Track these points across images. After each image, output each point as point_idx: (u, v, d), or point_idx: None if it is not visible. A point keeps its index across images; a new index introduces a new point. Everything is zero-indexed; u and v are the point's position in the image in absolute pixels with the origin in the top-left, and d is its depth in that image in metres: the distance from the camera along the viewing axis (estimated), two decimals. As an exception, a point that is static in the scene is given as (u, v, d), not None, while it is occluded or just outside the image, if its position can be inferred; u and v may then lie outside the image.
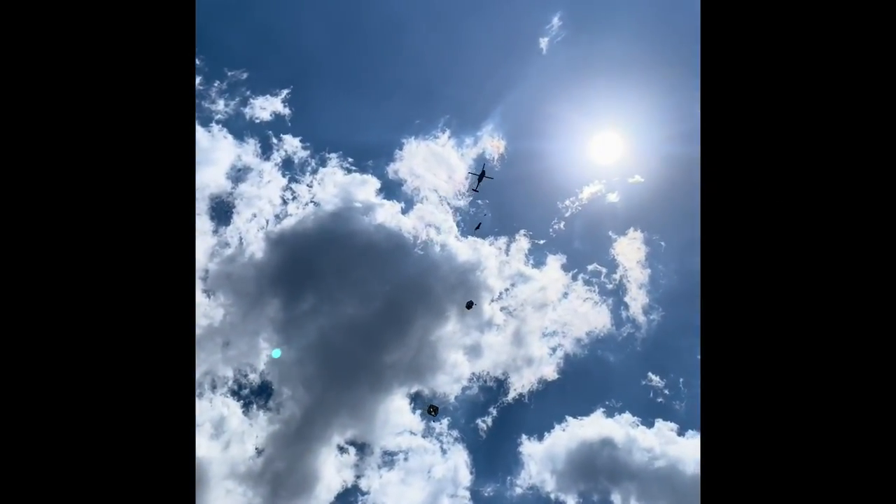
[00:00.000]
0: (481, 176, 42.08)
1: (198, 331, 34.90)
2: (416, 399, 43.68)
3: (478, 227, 45.76)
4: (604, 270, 48.48)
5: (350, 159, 52.05)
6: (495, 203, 51.11)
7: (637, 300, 45.95)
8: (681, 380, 44.97)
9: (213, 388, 35.50)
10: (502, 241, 49.62)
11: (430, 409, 37.65)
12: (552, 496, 41.82)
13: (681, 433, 43.27)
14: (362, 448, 41.02)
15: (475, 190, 43.81)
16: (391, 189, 51.22)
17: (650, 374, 45.04)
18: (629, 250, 49.85)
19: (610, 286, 46.54)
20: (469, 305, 39.19)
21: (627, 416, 44.08)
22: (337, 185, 49.80)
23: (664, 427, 44.13)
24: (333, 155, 52.38)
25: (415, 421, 43.89)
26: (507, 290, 47.67)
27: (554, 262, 49.33)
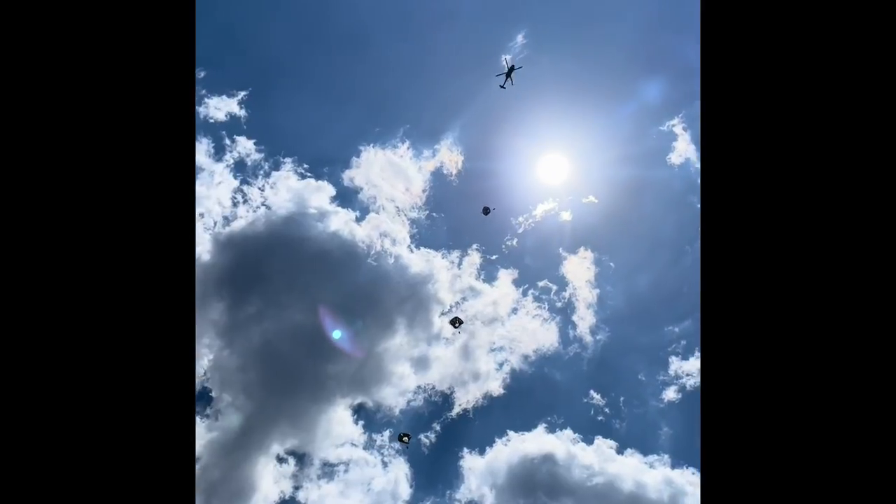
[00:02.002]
0: (510, 70, 40.73)
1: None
2: (359, 410, 43.31)
3: (487, 212, 43.62)
4: (554, 288, 49.35)
5: (305, 165, 51.68)
6: (450, 216, 51.44)
7: (584, 319, 46.93)
8: (621, 398, 45.87)
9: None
10: (455, 254, 49.93)
11: (401, 436, 37.20)
12: (490, 511, 41.95)
13: (619, 451, 44.14)
14: (302, 459, 40.58)
15: (503, 87, 42.05)
16: (346, 197, 51.11)
17: (592, 392, 45.82)
18: (579, 269, 50.88)
19: (559, 304, 47.55)
20: (455, 323, 38.53)
21: (569, 432, 44.82)
22: (290, 190, 49.30)
23: (603, 444, 45.09)
24: (288, 159, 51.82)
25: (357, 432, 43.67)
26: (457, 303, 48.03)
27: (505, 277, 49.95)
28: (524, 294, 47.37)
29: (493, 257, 47.91)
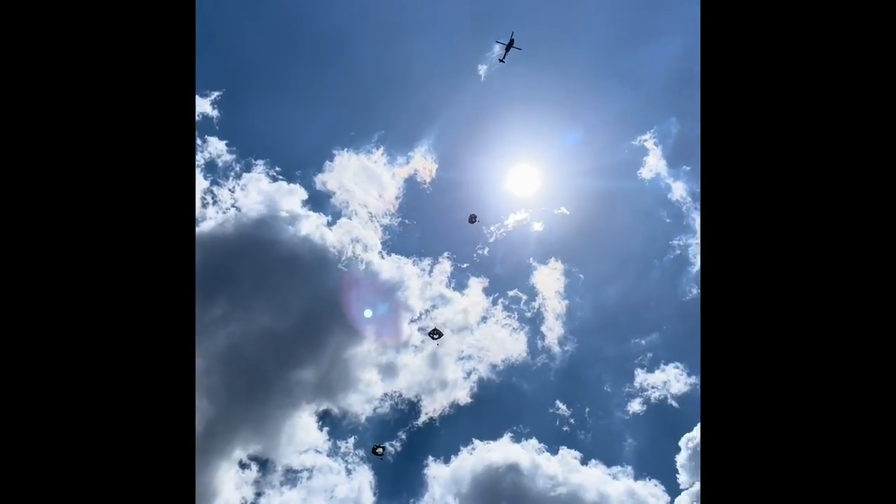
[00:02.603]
0: (509, 45, 41.44)
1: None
2: (324, 417, 42.71)
3: (473, 220, 43.55)
4: (524, 297, 49.57)
5: (278, 168, 50.62)
6: (422, 223, 51.41)
7: (553, 330, 47.39)
8: (587, 409, 46.27)
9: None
10: (426, 262, 49.76)
11: (375, 448, 37.02)
12: (454, 520, 41.70)
13: (584, 462, 44.54)
14: (265, 465, 39.98)
15: (502, 60, 43.05)
16: (318, 201, 50.43)
17: (558, 402, 46.13)
18: (549, 280, 51.25)
19: (528, 314, 47.91)
20: (434, 335, 38.47)
21: (534, 441, 45.07)
22: (261, 193, 48.31)
23: (568, 455, 45.39)
24: (260, 161, 50.80)
25: (321, 438, 42.98)
26: (427, 311, 47.79)
27: (476, 286, 49.90)
28: (494, 303, 47.86)
29: (464, 266, 47.98)
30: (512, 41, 41.05)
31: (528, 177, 49.06)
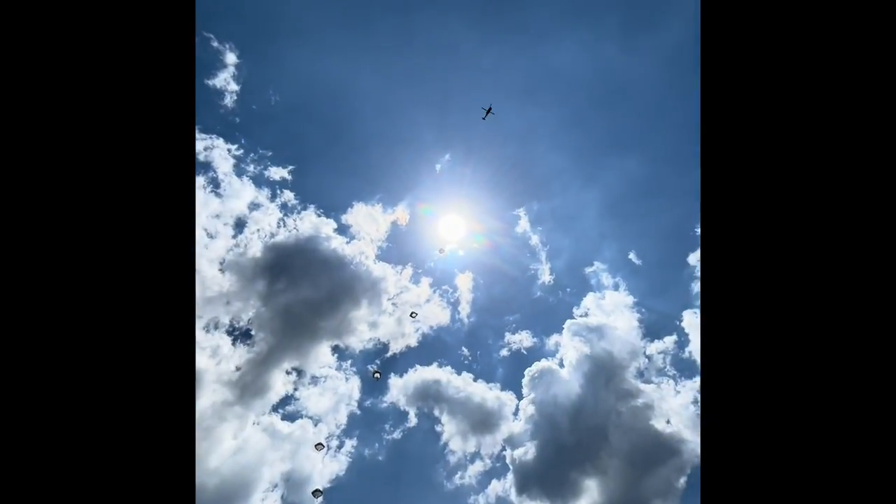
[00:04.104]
0: (488, 110, 62.46)
1: (208, 293, 60.78)
2: (335, 348, 68.37)
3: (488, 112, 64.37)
4: (451, 290, 77.68)
5: (322, 209, 75.48)
6: (398, 245, 77.86)
7: (465, 310, 77.78)
8: (478, 352, 75.19)
9: (216, 327, 61.75)
10: (398, 267, 75.50)
11: (374, 374, 61.29)
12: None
13: (474, 380, 70.85)
14: (300, 373, 65.26)
15: (483, 119, 63.86)
16: (343, 229, 75.69)
17: (463, 347, 75.48)
18: (465, 281, 78.83)
19: (452, 300, 77.49)
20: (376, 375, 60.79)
21: (448, 368, 71.14)
22: (312, 224, 75.08)
23: (467, 377, 71.41)
24: (311, 206, 76.21)
25: (332, 360, 68.49)
26: (397, 293, 73.80)
27: (425, 281, 75.72)
28: (434, 292, 75.62)
29: (420, 270, 75.73)
30: (490, 108, 62.90)
31: (459, 226, 77.93)
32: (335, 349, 70.72)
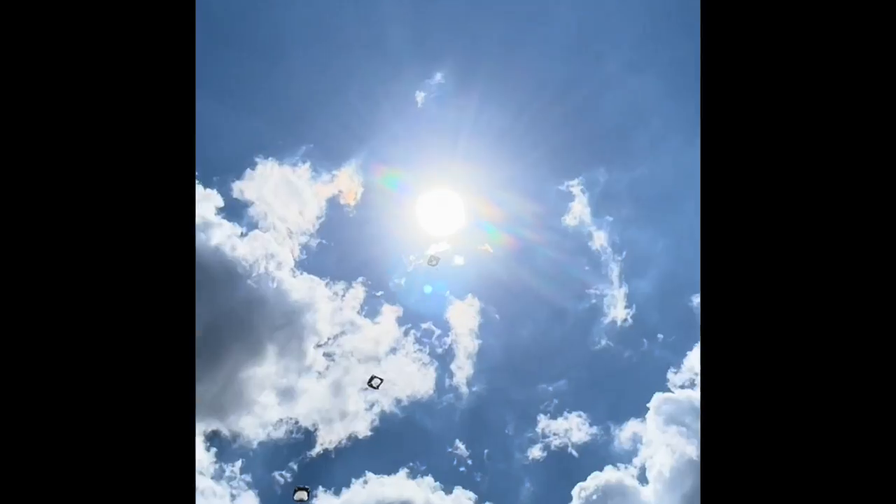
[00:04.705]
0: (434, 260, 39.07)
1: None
2: (212, 438, 40.39)
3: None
4: (437, 331, 48.74)
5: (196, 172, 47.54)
6: (340, 244, 50.10)
7: (462, 369, 47.07)
8: (486, 451, 46.22)
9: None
10: (339, 285, 48.15)
11: (371, 380, 34.52)
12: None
13: None
14: None
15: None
16: (234, 210, 47.68)
17: (458, 442, 45.81)
18: (465, 316, 50.96)
19: (440, 349, 47.23)
20: (374, 382, 34.94)
21: (430, 479, 44.25)
22: None
23: (462, 495, 44.85)
24: None
25: (207, 460, 40.23)
26: (335, 336, 46.29)
27: (389, 314, 48.70)
28: (406, 334, 45.30)
29: (379, 293, 46.13)
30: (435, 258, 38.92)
31: (457, 209, 48.12)
32: (212, 440, 39.77)
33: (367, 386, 33.33)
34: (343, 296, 45.16)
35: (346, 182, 45.87)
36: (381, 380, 32.31)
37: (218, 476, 39.90)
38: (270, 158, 45.68)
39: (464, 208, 45.91)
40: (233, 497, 40.06)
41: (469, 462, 42.43)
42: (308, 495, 31.55)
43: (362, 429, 41.59)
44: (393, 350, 45.07)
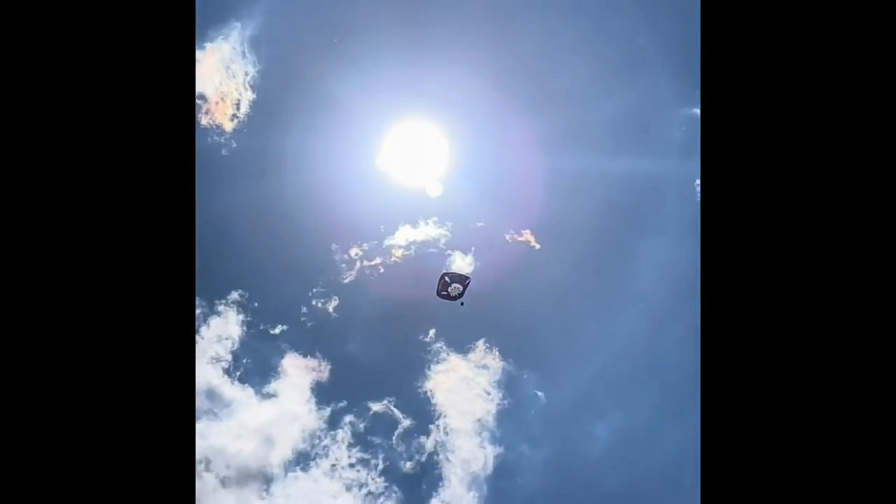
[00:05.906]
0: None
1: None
2: None
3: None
4: (406, 423, 29.95)
5: None
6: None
7: None
8: None
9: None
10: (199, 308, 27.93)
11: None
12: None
13: None
14: None
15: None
16: None
17: None
18: (466, 386, 26.14)
19: (409, 464, 23.06)
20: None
21: None
22: None
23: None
24: None
25: None
26: None
27: (301, 378, 21.00)
28: (336, 425, 27.05)
29: (280, 329, 26.80)
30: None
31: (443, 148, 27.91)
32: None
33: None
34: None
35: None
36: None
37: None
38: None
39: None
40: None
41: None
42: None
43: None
44: (310, 458, 27.18)
